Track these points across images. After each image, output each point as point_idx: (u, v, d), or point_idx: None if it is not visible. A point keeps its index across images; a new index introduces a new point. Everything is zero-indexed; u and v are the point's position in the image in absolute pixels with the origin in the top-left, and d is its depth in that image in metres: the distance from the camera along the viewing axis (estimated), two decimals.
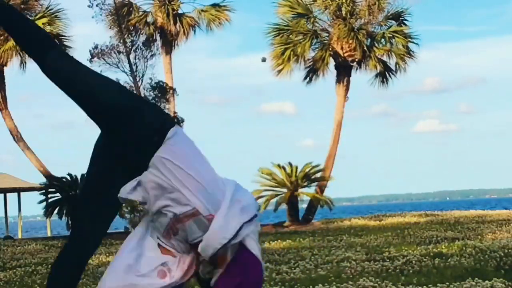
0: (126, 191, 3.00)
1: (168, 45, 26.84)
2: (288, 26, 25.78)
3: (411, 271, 7.87)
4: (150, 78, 23.74)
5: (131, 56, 23.74)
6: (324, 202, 25.40)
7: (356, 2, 25.58)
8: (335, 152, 25.95)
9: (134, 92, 23.49)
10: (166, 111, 23.59)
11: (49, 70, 3.09)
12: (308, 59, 26.16)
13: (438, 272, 7.69)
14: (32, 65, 26.62)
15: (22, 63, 26.41)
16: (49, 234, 30.36)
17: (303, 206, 26.28)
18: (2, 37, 25.66)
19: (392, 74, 26.17)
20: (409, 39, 25.62)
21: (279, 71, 25.84)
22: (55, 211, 26.04)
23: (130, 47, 23.89)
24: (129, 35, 24.36)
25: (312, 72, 26.33)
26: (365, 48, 25.02)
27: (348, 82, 25.90)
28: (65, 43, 26.30)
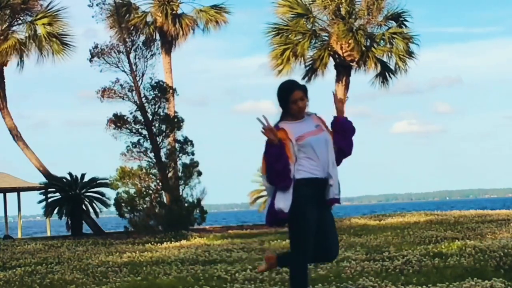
0: None
1: (168, 45, 26.85)
2: (287, 26, 25.77)
3: (410, 271, 7.88)
4: (150, 78, 23.70)
5: (131, 56, 23.70)
6: None
7: (355, 2, 25.58)
8: None
9: (134, 91, 23.50)
10: (166, 111, 23.74)
11: None
12: (308, 59, 26.17)
13: (438, 272, 7.69)
14: (31, 64, 26.64)
15: (20, 62, 26.40)
16: (48, 234, 30.36)
17: None
18: (2, 37, 25.68)
19: (392, 74, 26.16)
20: (409, 40, 25.59)
21: (279, 71, 25.83)
22: (55, 211, 26.05)
23: (130, 47, 23.86)
24: (129, 35, 24.33)
25: (311, 71, 26.32)
26: (364, 48, 25.01)
27: (348, 81, 25.91)
28: (65, 42, 26.35)
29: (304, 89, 5.58)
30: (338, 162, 5.61)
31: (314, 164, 5.43)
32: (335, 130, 5.63)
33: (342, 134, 5.62)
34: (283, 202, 5.34)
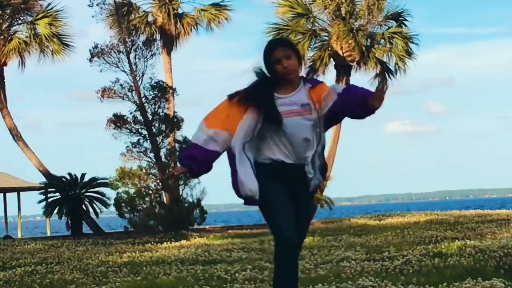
0: None
1: (168, 45, 26.85)
2: (287, 26, 25.78)
3: (410, 271, 7.87)
4: (150, 78, 23.72)
5: (131, 56, 23.72)
6: (324, 202, 25.39)
7: (356, 2, 25.60)
8: (335, 152, 25.96)
9: (134, 91, 23.50)
10: (166, 110, 23.74)
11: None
12: (308, 59, 26.18)
13: (438, 272, 7.69)
14: (30, 65, 26.64)
15: (21, 62, 26.40)
16: (48, 234, 30.36)
17: None
18: (2, 37, 25.67)
19: (392, 74, 26.17)
20: (409, 40, 25.60)
21: None
22: (55, 211, 26.05)
23: (130, 47, 23.87)
24: (129, 35, 24.33)
25: (312, 72, 26.33)
26: (364, 48, 25.02)
27: (348, 82, 25.91)
28: (65, 43, 26.36)
29: (289, 45, 4.66)
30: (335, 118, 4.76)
31: (284, 150, 4.60)
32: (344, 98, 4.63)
33: (347, 104, 4.63)
34: (249, 183, 4.49)
